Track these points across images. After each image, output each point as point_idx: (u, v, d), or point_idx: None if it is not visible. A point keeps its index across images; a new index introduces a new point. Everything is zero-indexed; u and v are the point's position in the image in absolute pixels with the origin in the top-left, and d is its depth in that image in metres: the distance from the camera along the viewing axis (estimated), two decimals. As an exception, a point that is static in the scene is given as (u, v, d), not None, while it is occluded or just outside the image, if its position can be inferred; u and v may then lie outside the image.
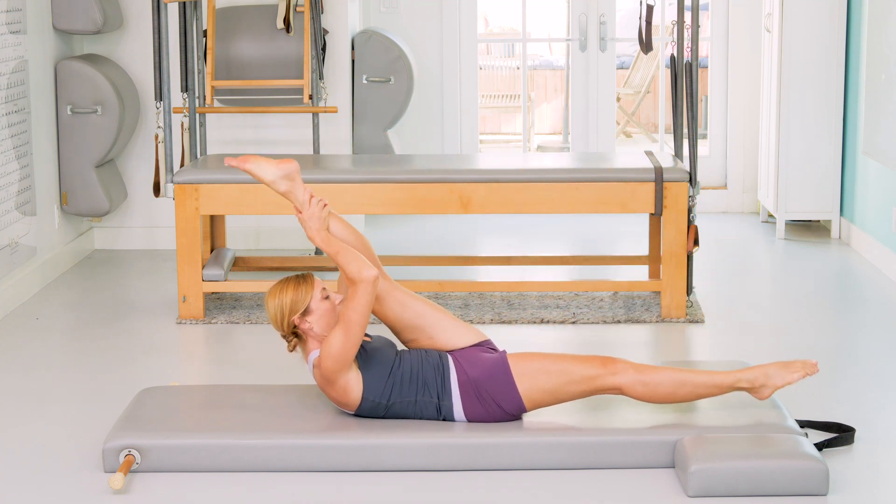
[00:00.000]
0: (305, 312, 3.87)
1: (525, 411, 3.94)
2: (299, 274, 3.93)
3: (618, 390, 3.92)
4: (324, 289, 3.90)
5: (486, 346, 4.02)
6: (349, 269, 3.83)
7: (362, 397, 3.90)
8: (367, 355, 3.92)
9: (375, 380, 3.90)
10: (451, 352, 3.98)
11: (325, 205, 4.03)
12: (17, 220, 5.88)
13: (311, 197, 4.04)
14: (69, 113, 6.44)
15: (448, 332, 4.00)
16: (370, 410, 3.93)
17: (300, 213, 4.04)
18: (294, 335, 3.91)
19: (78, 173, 6.48)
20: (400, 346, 4.11)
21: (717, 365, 4.45)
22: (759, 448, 3.68)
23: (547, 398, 3.92)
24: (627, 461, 3.82)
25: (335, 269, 6.34)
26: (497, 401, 3.89)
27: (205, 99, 6.46)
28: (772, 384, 3.95)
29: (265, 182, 4.08)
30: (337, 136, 6.93)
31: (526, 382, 3.90)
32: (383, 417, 3.94)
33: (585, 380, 3.89)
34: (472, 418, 3.92)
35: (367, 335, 4.02)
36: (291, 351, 3.94)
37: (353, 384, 3.88)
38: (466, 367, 3.92)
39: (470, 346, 3.99)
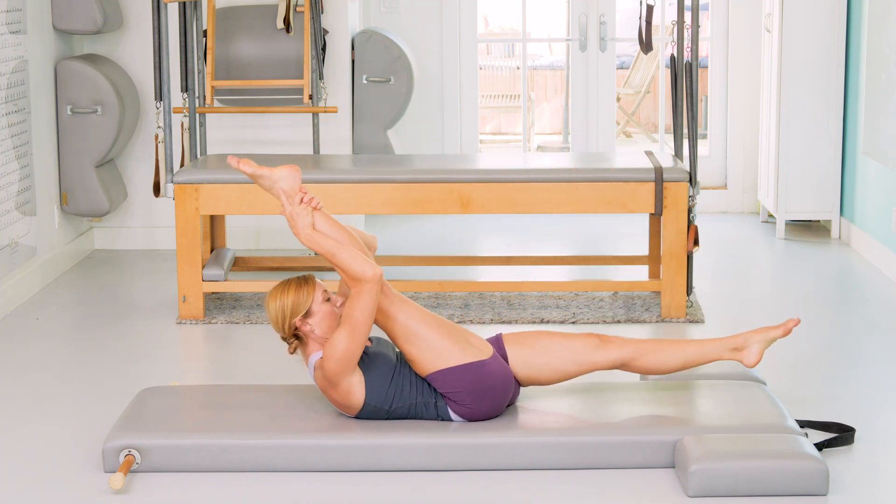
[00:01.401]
0: (307, 315, 3.86)
1: (479, 359, 3.90)
2: (300, 276, 3.92)
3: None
4: (325, 291, 3.89)
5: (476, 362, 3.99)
6: (350, 269, 3.78)
7: (364, 402, 3.89)
8: (368, 360, 3.91)
9: (378, 385, 3.89)
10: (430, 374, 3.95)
11: (310, 200, 3.92)
12: (17, 220, 5.88)
13: (299, 194, 3.93)
14: (69, 113, 6.44)
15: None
16: (372, 414, 3.92)
17: (284, 211, 3.95)
18: (295, 337, 3.90)
19: (78, 173, 6.48)
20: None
21: (718, 365, 4.45)
22: (759, 448, 3.68)
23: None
24: (627, 461, 3.82)
25: (333, 270, 6.33)
26: (459, 387, 3.88)
27: (205, 99, 6.46)
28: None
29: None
30: (337, 136, 6.93)
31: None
32: (385, 419, 3.94)
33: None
34: (465, 417, 3.92)
35: (367, 338, 4.01)
36: (292, 353, 3.93)
37: (356, 388, 3.87)
38: (442, 387, 3.91)
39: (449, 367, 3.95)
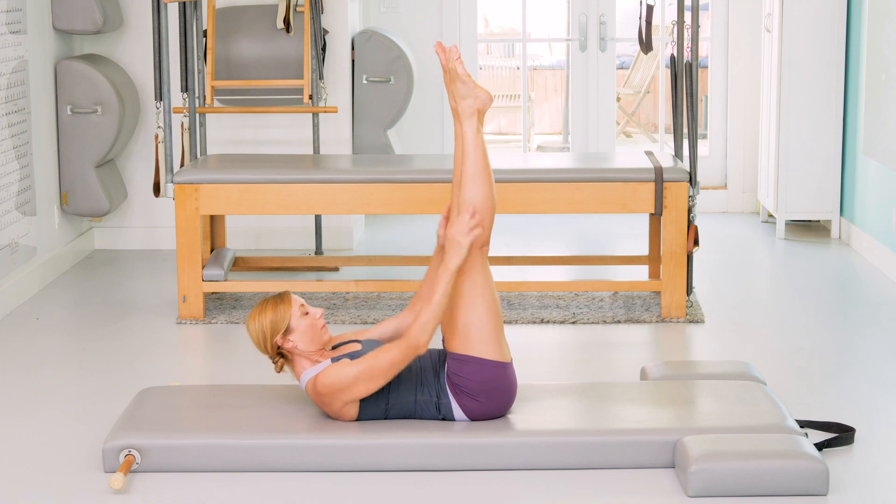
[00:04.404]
0: (287, 332, 3.86)
1: (507, 361, 3.89)
2: (275, 294, 3.92)
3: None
4: (302, 305, 3.88)
5: None
6: (419, 322, 3.78)
7: (358, 417, 3.91)
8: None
9: (372, 399, 3.89)
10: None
11: (477, 226, 3.89)
12: (17, 220, 5.88)
13: (472, 215, 3.90)
14: (69, 113, 6.44)
15: (472, 333, 3.91)
16: (369, 415, 3.92)
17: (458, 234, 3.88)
18: (280, 356, 3.90)
19: (78, 173, 6.48)
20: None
21: (718, 365, 4.45)
22: (759, 448, 3.68)
23: (485, 319, 3.87)
24: (627, 461, 3.82)
25: (333, 270, 6.34)
26: (477, 381, 3.87)
27: (205, 99, 6.46)
28: (464, 95, 3.95)
29: (449, 69, 3.97)
30: (337, 136, 6.93)
31: (475, 342, 3.86)
32: (384, 419, 3.94)
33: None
34: (469, 414, 3.91)
35: (357, 341, 4.00)
36: (279, 372, 3.93)
37: (350, 406, 3.89)
38: (459, 372, 3.91)
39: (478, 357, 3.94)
